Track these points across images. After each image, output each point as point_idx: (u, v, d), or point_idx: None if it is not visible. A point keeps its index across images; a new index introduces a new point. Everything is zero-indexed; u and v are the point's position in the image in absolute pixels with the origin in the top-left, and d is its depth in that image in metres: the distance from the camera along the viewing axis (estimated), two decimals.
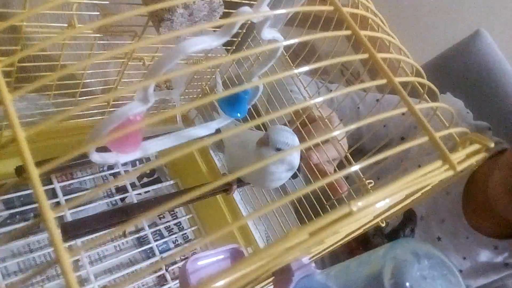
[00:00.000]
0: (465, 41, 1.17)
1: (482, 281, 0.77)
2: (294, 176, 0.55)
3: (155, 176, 0.68)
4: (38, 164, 0.17)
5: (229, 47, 0.60)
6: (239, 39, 0.57)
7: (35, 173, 0.17)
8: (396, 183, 0.17)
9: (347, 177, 0.56)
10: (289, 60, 0.57)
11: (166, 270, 0.60)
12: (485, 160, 0.81)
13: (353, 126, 0.18)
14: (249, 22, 0.53)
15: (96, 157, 0.27)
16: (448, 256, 0.77)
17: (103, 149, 0.30)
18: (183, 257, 0.62)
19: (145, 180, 0.67)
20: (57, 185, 0.58)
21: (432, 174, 0.19)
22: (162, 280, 0.59)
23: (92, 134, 0.26)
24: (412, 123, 0.79)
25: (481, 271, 0.77)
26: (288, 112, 0.61)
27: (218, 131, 0.44)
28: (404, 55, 0.31)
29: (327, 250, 0.38)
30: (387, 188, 0.17)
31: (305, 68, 0.21)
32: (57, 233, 0.15)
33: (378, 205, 0.17)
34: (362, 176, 0.48)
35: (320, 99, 0.20)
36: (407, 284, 0.21)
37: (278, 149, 0.45)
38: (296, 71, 0.21)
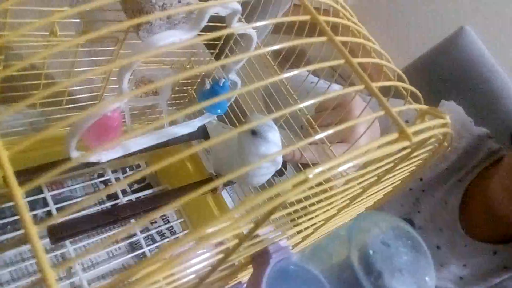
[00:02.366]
0: (449, 39, 1.19)
1: (482, 286, 0.78)
2: (281, 173, 0.55)
3: (146, 182, 0.69)
4: (26, 172, 0.18)
5: (212, 51, 0.61)
6: (222, 42, 0.58)
7: (18, 192, 0.17)
8: (353, 151, 0.18)
9: None
10: (275, 67, 0.58)
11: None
12: (483, 169, 0.81)
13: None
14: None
15: (76, 155, 0.28)
16: (448, 264, 0.78)
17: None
18: None
19: (136, 186, 0.68)
20: (47, 194, 0.58)
21: (388, 146, 0.20)
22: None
23: (70, 131, 0.26)
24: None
25: (482, 277, 0.77)
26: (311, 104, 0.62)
27: (201, 128, 0.45)
28: (385, 60, 0.32)
29: (312, 239, 0.38)
30: (344, 155, 0.18)
31: (295, 71, 0.22)
32: (41, 250, 0.16)
33: (335, 171, 0.17)
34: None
35: (310, 102, 0.21)
36: (370, 251, 0.22)
37: (254, 132, 0.45)
38: (284, 75, 0.21)
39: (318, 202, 0.23)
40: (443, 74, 1.19)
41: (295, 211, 0.23)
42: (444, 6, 2.00)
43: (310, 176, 0.17)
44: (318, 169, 0.17)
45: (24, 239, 0.16)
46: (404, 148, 0.21)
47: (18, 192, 0.15)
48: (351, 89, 0.21)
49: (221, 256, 0.21)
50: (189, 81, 0.63)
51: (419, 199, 0.81)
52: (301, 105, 0.20)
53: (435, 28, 1.72)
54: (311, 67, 0.20)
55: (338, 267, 0.24)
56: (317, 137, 0.20)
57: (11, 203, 0.56)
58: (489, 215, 0.74)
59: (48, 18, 0.23)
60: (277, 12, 0.95)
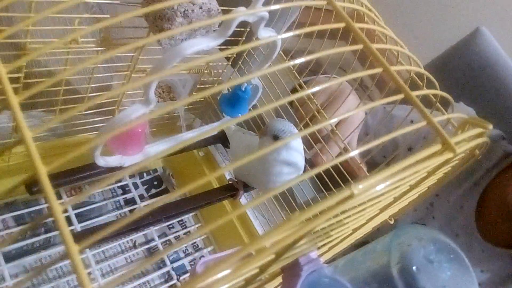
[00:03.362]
0: (465, 40, 1.17)
1: None
2: None
3: (163, 187, 0.68)
4: (52, 176, 0.18)
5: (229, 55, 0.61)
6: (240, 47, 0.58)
7: (47, 183, 0.17)
8: (395, 166, 0.17)
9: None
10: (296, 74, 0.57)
11: (178, 279, 0.60)
12: (499, 172, 0.79)
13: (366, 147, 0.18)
14: (248, 29, 0.54)
15: (101, 160, 0.28)
16: None
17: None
18: (191, 263, 0.62)
19: (153, 191, 0.67)
20: (66, 200, 0.58)
21: (432, 158, 0.19)
22: None
23: (97, 137, 0.26)
24: (421, 134, 0.77)
25: (500, 283, 0.76)
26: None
27: (220, 133, 0.45)
28: (415, 65, 0.31)
29: (337, 249, 0.38)
30: (386, 170, 0.17)
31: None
32: (71, 240, 0.16)
33: (378, 187, 0.17)
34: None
35: (315, 89, 0.20)
36: (414, 268, 0.21)
37: (276, 137, 0.44)
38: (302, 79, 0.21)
39: (353, 214, 0.23)
40: (459, 74, 1.17)
41: (331, 224, 0.23)
42: (460, 7, 1.97)
43: (355, 191, 0.16)
44: (362, 185, 0.17)
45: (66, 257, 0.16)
46: (448, 159, 0.20)
47: (47, 183, 0.15)
48: (391, 99, 0.20)
49: (256, 271, 0.20)
50: (207, 86, 0.62)
51: (433, 204, 0.80)
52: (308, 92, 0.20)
53: (451, 30, 1.70)
54: (352, 76, 0.20)
55: (375, 282, 0.23)
56: (317, 127, 0.19)
57: (30, 209, 0.56)
58: (506, 220, 0.72)
59: (70, 36, 0.23)
60: (295, 14, 0.94)
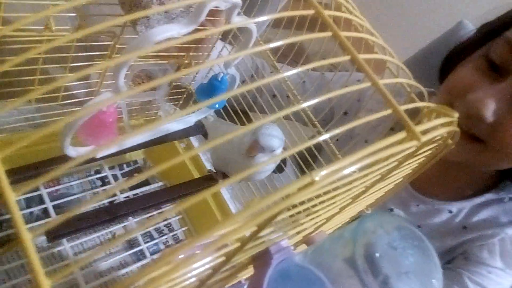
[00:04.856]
0: (448, 32, 1.18)
1: (440, 247, 0.73)
2: (280, 170, 0.55)
3: (144, 178, 0.68)
4: (21, 170, 0.17)
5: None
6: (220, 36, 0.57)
7: (11, 197, 0.16)
8: (358, 153, 0.17)
9: (320, 150, 0.56)
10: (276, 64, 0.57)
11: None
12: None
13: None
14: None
15: (71, 151, 0.27)
16: None
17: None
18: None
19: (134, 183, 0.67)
20: (44, 191, 0.58)
21: (397, 146, 0.19)
22: None
23: (64, 128, 0.26)
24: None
25: (437, 236, 0.73)
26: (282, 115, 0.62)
27: (198, 123, 0.45)
28: (389, 55, 0.31)
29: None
30: (350, 156, 0.17)
31: (294, 71, 0.21)
32: (36, 259, 0.15)
33: (342, 172, 0.17)
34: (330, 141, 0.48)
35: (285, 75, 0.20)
36: (377, 254, 0.21)
37: (262, 150, 0.45)
38: (285, 74, 0.21)
39: (321, 202, 0.23)
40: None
41: (298, 212, 0.22)
42: (444, 0, 1.99)
43: (317, 178, 0.16)
44: (324, 171, 0.17)
45: (18, 245, 0.15)
46: (411, 147, 0.20)
47: (12, 198, 0.14)
48: (357, 86, 0.20)
49: (222, 259, 0.20)
50: (187, 76, 0.62)
51: None
52: (304, 105, 0.20)
53: (435, 22, 1.71)
54: (316, 64, 0.20)
55: (342, 268, 0.23)
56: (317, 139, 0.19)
57: None
58: (434, 165, 0.71)
59: (43, 12, 0.22)
60: (277, 5, 0.93)
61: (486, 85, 0.58)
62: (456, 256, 0.74)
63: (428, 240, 0.23)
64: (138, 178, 0.18)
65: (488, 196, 0.72)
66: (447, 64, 0.72)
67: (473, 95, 0.58)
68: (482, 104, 0.56)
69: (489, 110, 0.56)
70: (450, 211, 0.73)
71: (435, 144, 0.31)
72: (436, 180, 0.73)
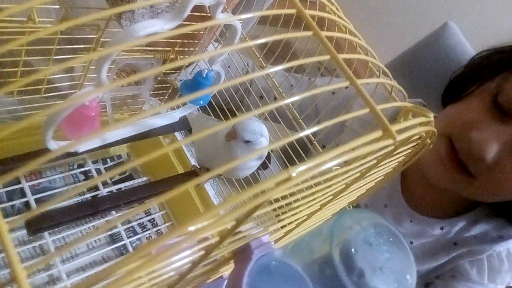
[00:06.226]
0: (433, 35, 1.20)
1: (431, 263, 0.75)
2: (265, 166, 0.55)
3: (127, 173, 0.68)
4: (2, 163, 0.17)
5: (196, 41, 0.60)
6: (206, 32, 0.57)
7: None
8: (334, 150, 0.18)
9: (305, 149, 0.56)
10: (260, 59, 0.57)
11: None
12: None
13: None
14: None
15: (53, 144, 0.27)
16: None
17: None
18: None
19: (117, 177, 0.67)
20: (25, 185, 0.57)
21: (372, 144, 0.20)
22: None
23: (46, 121, 0.26)
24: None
25: (429, 254, 0.75)
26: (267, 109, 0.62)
27: (183, 119, 0.45)
28: (371, 56, 0.32)
29: (295, 234, 0.38)
30: (328, 153, 0.18)
31: (280, 67, 0.21)
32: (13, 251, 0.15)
33: (320, 169, 0.17)
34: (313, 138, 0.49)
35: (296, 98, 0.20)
36: (352, 249, 0.22)
37: (247, 141, 0.46)
38: (270, 70, 0.21)
39: (302, 198, 0.23)
40: (426, 68, 1.20)
41: (279, 207, 0.23)
42: (430, 2, 2.01)
43: (293, 174, 0.17)
44: (302, 167, 0.17)
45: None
46: (387, 146, 0.21)
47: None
48: (338, 85, 0.21)
49: (202, 252, 0.21)
50: (172, 71, 0.61)
51: None
52: (287, 101, 0.20)
53: (420, 24, 1.73)
54: (296, 62, 0.20)
55: (319, 264, 0.24)
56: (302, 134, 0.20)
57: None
58: (426, 187, 0.71)
59: (26, 4, 0.22)
60: (263, 3, 0.94)
61: (492, 125, 0.58)
62: (445, 272, 0.75)
63: (405, 241, 0.24)
64: (120, 170, 0.18)
65: (479, 211, 0.73)
66: (452, 88, 0.73)
67: (478, 135, 0.57)
68: (486, 146, 0.56)
69: (492, 153, 0.56)
70: (442, 228, 0.74)
71: (414, 144, 0.32)
72: (430, 198, 0.74)
